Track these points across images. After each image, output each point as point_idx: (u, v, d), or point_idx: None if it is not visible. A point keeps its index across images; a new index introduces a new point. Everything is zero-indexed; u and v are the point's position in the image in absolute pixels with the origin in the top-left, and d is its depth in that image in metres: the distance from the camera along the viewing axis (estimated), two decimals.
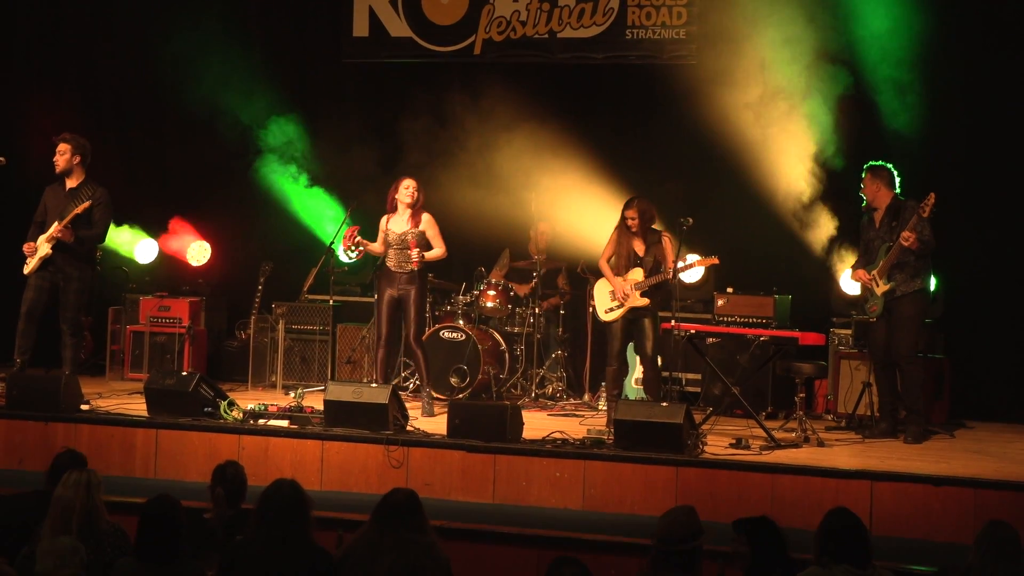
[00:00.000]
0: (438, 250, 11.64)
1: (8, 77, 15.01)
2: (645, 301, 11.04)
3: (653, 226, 11.23)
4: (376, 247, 11.73)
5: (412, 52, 14.22)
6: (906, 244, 10.71)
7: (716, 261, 11.24)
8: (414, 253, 11.45)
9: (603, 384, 11.84)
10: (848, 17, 12.54)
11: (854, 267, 11.23)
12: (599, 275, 11.45)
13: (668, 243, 11.11)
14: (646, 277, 11.04)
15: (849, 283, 11.93)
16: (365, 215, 13.60)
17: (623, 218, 11.18)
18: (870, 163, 11.13)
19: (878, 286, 10.90)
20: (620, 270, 11.15)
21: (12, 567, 6.42)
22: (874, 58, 12.47)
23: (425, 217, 11.62)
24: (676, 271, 10.92)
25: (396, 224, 11.65)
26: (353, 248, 11.81)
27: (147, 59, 14.77)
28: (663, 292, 11.17)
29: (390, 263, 11.64)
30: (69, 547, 6.10)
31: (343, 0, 14.42)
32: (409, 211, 11.63)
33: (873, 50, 12.46)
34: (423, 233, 11.57)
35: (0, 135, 14.07)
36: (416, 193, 11.62)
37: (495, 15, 14.00)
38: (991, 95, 12.60)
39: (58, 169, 11.71)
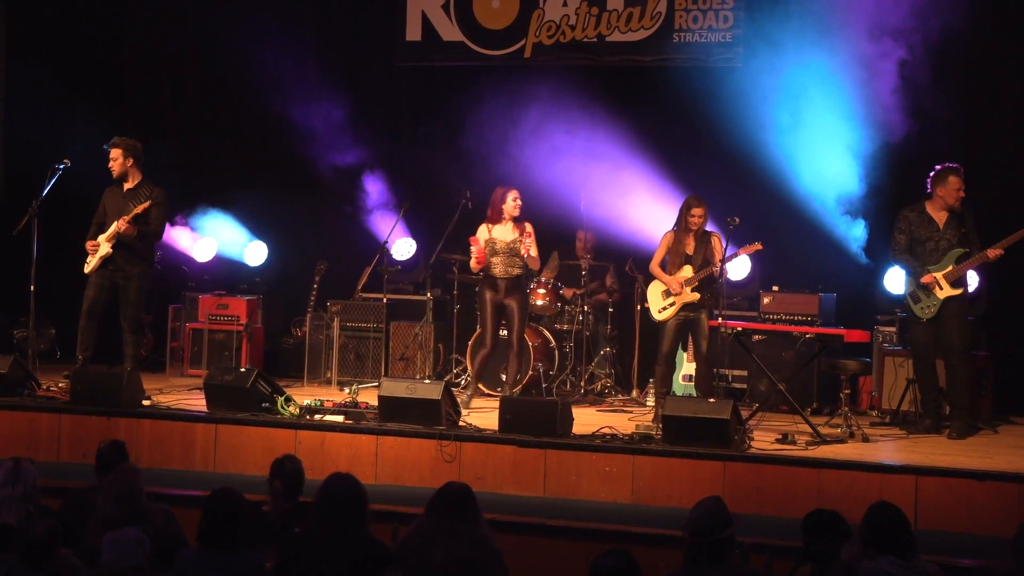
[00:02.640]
0: (535, 258, 11.79)
1: (68, 76, 15.26)
2: (696, 296, 11.16)
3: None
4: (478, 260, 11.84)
5: (464, 56, 14.34)
6: (993, 260, 10.80)
7: (759, 247, 11.25)
8: (525, 246, 11.60)
9: (651, 381, 11.95)
10: (894, 14, 12.57)
11: (917, 269, 11.04)
12: (649, 276, 11.56)
13: (717, 243, 11.21)
14: (695, 272, 11.19)
15: (894, 281, 11.97)
16: (416, 216, 13.81)
17: (686, 216, 11.24)
18: (954, 165, 11.04)
19: (941, 289, 10.91)
20: (674, 269, 11.26)
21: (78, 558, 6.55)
22: (919, 53, 12.50)
23: (528, 226, 11.80)
24: (723, 262, 11.03)
25: (501, 232, 11.80)
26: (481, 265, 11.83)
27: (205, 60, 14.98)
28: (712, 291, 11.28)
29: (496, 271, 11.78)
30: (134, 539, 6.21)
31: (396, 5, 14.55)
32: (512, 221, 11.82)
33: (919, 45, 12.50)
34: (515, 243, 11.72)
35: (61, 136, 14.37)
36: (520, 204, 11.79)
37: (545, 19, 14.10)
38: None
39: (115, 175, 11.93)
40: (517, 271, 11.79)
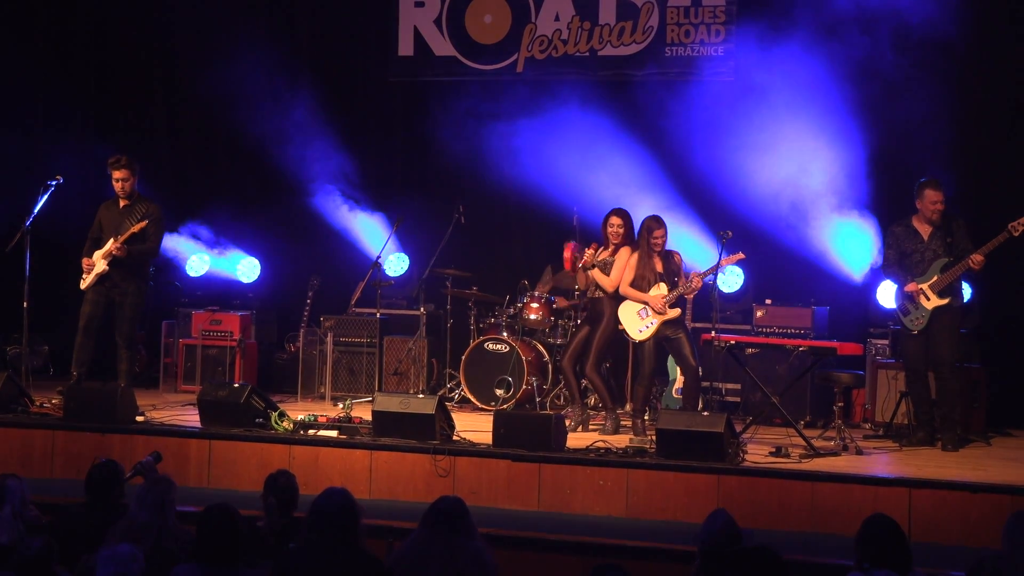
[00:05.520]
0: (605, 280, 11.70)
1: (59, 93, 15.27)
2: (677, 311, 11.30)
3: (667, 247, 11.50)
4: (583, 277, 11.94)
5: (456, 71, 14.35)
6: (976, 267, 10.79)
7: (742, 256, 11.35)
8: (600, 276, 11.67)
9: None
10: (883, 26, 12.61)
11: (905, 280, 11.12)
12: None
13: (679, 259, 11.45)
14: (670, 291, 11.28)
15: (886, 295, 11.99)
16: (409, 231, 13.81)
17: (647, 239, 11.35)
18: (934, 179, 11.11)
19: (928, 300, 10.95)
20: (647, 288, 11.37)
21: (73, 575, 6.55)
22: (911, 65, 12.54)
23: (622, 250, 11.70)
24: (714, 270, 11.14)
25: (599, 253, 11.84)
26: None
27: (197, 78, 14.94)
28: (682, 306, 11.44)
29: (589, 291, 11.87)
30: (128, 554, 6.20)
31: (389, 20, 14.56)
32: (615, 246, 11.81)
33: (911, 57, 12.54)
34: (611, 263, 11.70)
35: (55, 153, 14.38)
36: (620, 231, 11.74)
37: (537, 34, 14.11)
38: None
39: (124, 195, 11.94)
40: (598, 293, 11.76)
